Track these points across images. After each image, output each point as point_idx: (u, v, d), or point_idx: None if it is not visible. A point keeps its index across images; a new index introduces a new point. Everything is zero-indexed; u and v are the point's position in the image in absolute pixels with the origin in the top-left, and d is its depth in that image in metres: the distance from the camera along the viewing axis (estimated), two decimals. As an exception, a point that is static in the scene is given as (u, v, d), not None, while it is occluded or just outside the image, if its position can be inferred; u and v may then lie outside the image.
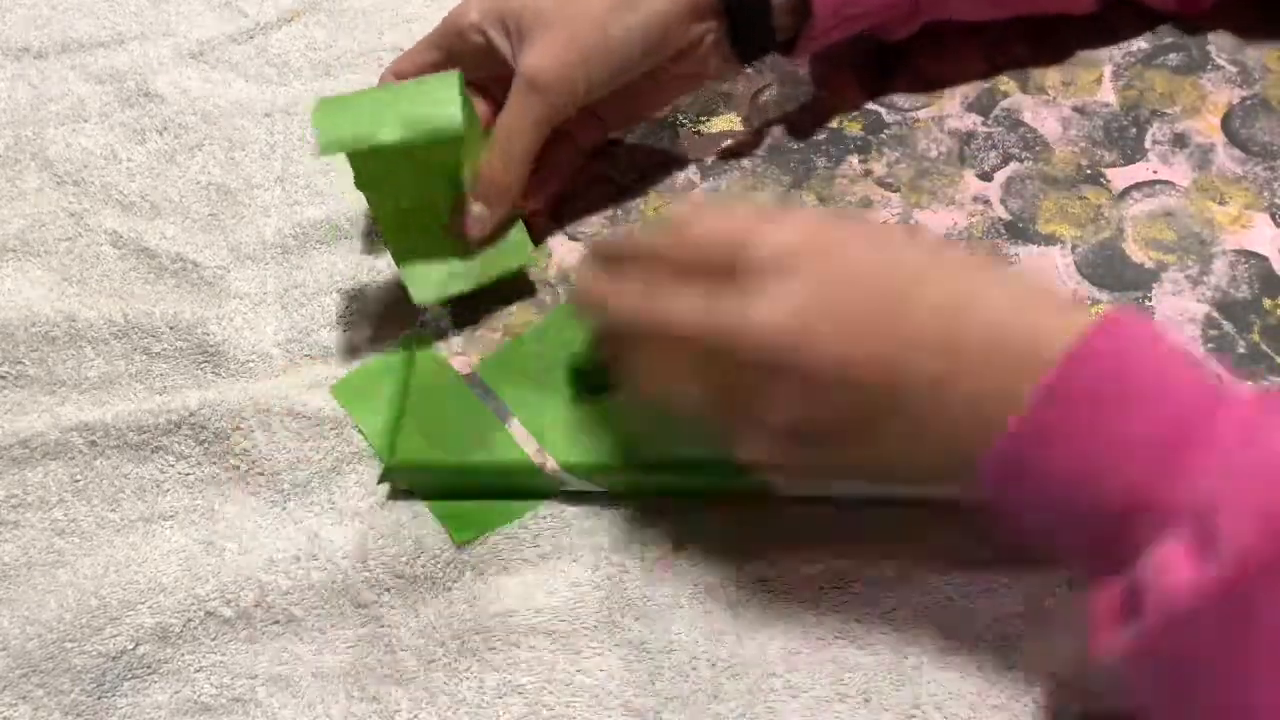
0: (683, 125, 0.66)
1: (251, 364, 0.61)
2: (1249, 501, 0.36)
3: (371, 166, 0.56)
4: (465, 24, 0.59)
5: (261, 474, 0.58)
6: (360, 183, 0.57)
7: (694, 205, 0.53)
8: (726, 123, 0.66)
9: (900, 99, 0.65)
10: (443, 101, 0.55)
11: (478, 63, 0.60)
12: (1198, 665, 0.36)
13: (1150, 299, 0.56)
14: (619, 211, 0.63)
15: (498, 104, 0.60)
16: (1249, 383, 0.53)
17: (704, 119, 0.66)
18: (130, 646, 0.53)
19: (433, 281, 0.58)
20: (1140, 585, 0.37)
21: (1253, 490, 0.36)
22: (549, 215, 0.63)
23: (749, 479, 0.53)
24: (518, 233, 0.59)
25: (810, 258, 0.43)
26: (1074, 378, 0.39)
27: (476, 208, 0.57)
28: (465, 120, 0.55)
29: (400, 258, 0.58)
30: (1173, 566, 0.36)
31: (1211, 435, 0.38)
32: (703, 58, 0.60)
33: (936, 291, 0.42)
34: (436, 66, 0.60)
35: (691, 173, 0.64)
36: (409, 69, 0.61)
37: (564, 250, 0.62)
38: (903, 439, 0.42)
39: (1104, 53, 0.66)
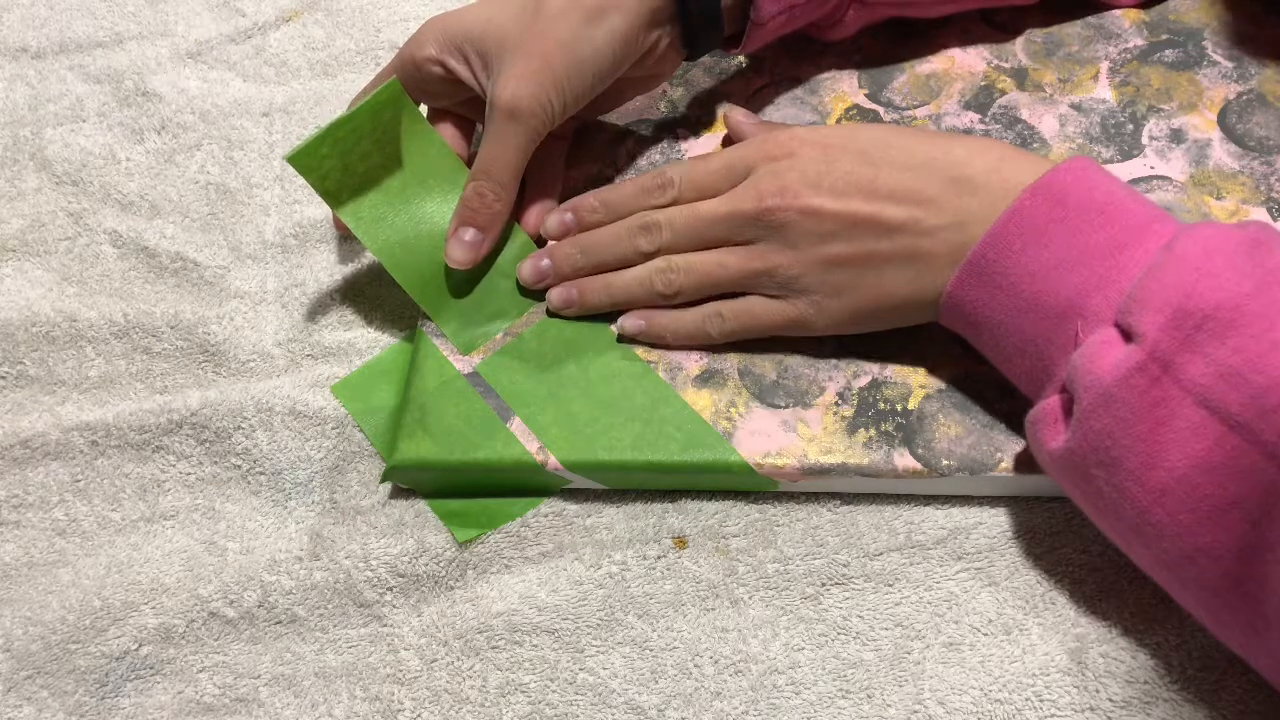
0: (682, 125, 0.66)
1: (252, 363, 0.61)
2: (1159, 296, 0.43)
3: (353, 192, 0.59)
4: (421, 57, 0.59)
5: (263, 473, 0.58)
6: (359, 228, 0.59)
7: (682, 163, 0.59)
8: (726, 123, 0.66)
9: (898, 97, 0.66)
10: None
11: (440, 91, 0.60)
12: (1115, 440, 0.43)
13: (1148, 295, 0.57)
14: (618, 210, 0.63)
15: (464, 129, 0.62)
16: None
17: (704, 118, 0.66)
18: (133, 647, 0.53)
19: (470, 328, 0.59)
20: (1074, 375, 0.45)
21: (1162, 286, 0.43)
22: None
23: (750, 477, 0.53)
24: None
25: (799, 143, 0.54)
26: (1031, 203, 0.48)
27: (469, 233, 0.58)
28: (412, 129, 0.59)
29: (434, 312, 0.59)
30: (1101, 354, 0.44)
31: (1143, 245, 0.45)
32: (658, 61, 0.61)
33: (900, 154, 0.52)
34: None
35: (690, 171, 0.64)
36: None
37: (564, 249, 0.62)
38: (897, 270, 0.51)
39: (1100, 49, 0.66)
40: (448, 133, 0.62)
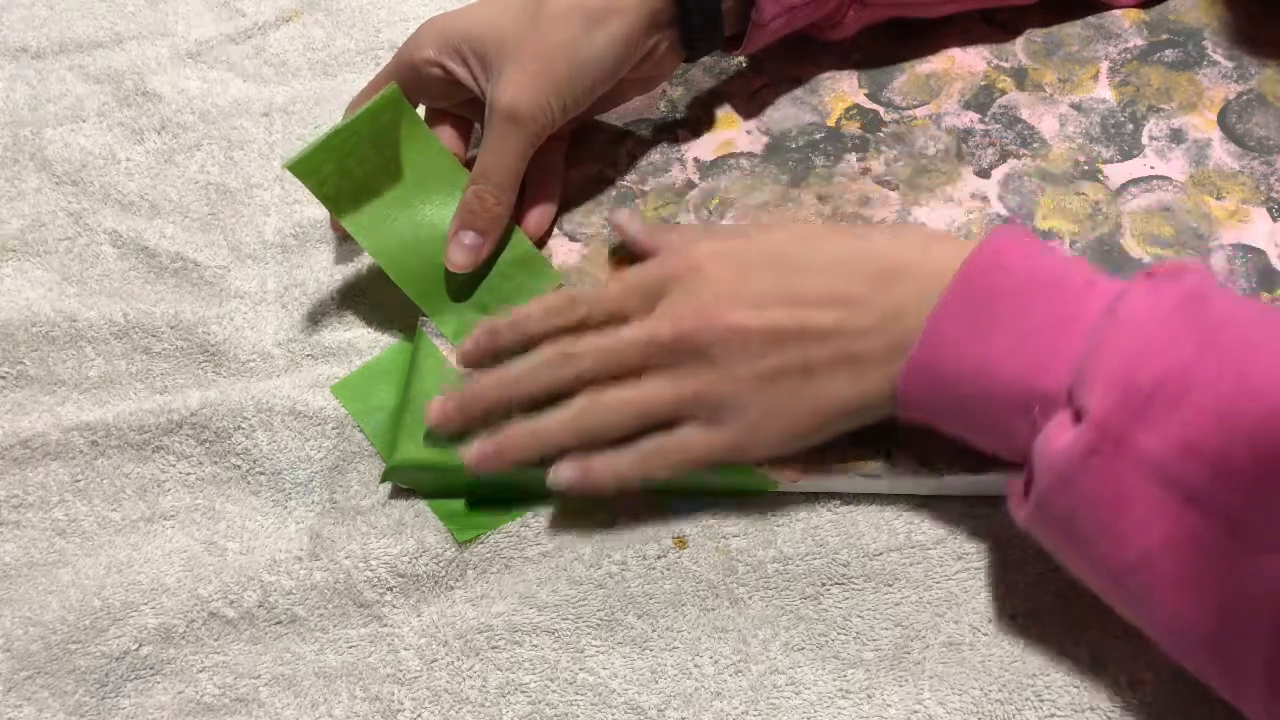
0: (682, 125, 0.66)
1: (252, 363, 0.61)
2: (1104, 373, 0.42)
3: (350, 194, 0.59)
4: (419, 59, 0.59)
5: (263, 473, 0.58)
6: (361, 236, 0.59)
7: (571, 294, 0.55)
8: (725, 122, 0.66)
9: (898, 97, 0.66)
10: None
11: (438, 93, 0.61)
12: (1078, 520, 0.43)
13: (1148, 295, 0.57)
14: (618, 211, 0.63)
15: (463, 129, 0.62)
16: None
17: (704, 118, 0.66)
18: (133, 647, 0.53)
19: (471, 329, 0.59)
20: (1034, 458, 0.44)
21: (1106, 362, 0.42)
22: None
23: (750, 477, 0.53)
24: (538, 260, 0.61)
25: (711, 258, 0.52)
26: (961, 294, 0.46)
27: (469, 237, 0.58)
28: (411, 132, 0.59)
29: (434, 313, 0.59)
30: (1054, 437, 0.43)
31: (1083, 316, 0.44)
32: (657, 64, 0.61)
33: (817, 255, 0.51)
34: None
35: (691, 172, 0.64)
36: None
37: (564, 251, 0.62)
38: (834, 376, 0.49)
39: (1100, 49, 0.66)
40: (446, 134, 0.62)
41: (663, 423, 0.52)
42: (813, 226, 0.54)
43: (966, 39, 0.67)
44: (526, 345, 0.55)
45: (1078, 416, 0.42)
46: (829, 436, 0.51)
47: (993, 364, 0.45)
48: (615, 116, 0.67)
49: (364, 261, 0.64)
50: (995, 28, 0.68)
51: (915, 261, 0.49)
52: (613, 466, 0.52)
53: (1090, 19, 0.67)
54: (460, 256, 0.58)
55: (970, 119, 0.64)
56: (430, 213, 0.60)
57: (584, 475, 0.52)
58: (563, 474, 0.52)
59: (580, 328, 0.54)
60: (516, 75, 0.56)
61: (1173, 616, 0.42)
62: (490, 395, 0.54)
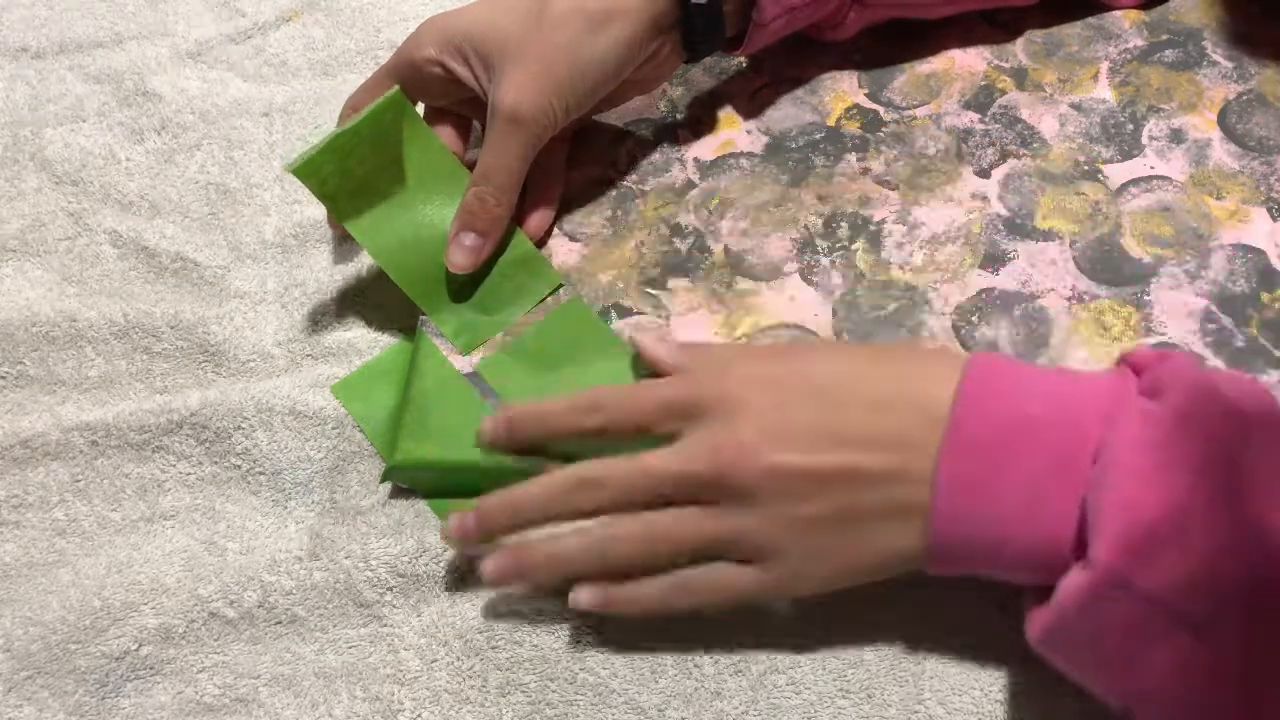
0: (682, 126, 0.66)
1: (252, 363, 0.61)
2: (1104, 521, 0.40)
3: (353, 199, 0.59)
4: (420, 57, 0.59)
5: (262, 473, 0.58)
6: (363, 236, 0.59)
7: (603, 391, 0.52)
8: (726, 122, 0.66)
9: (898, 97, 0.66)
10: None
11: (438, 92, 0.61)
12: (1089, 662, 0.43)
13: (1148, 294, 0.57)
14: (619, 212, 0.63)
15: (462, 128, 0.62)
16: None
17: (704, 118, 0.66)
18: (134, 647, 0.53)
19: (471, 329, 0.59)
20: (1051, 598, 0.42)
21: (1104, 508, 0.40)
22: (551, 220, 0.63)
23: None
24: (539, 260, 0.61)
25: (748, 386, 0.48)
26: (958, 447, 0.44)
27: (470, 238, 0.58)
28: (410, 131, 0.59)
29: (434, 313, 0.60)
30: (1067, 582, 0.41)
31: (1076, 466, 0.42)
32: (658, 65, 0.61)
33: (864, 389, 0.47)
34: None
35: (691, 172, 0.64)
36: (366, 101, 0.61)
37: (565, 251, 0.62)
38: (883, 525, 0.46)
39: (1100, 49, 0.66)
40: (445, 133, 0.62)
41: (692, 556, 0.49)
42: (851, 353, 0.51)
43: (966, 39, 0.67)
44: (547, 439, 0.52)
45: (1085, 561, 0.41)
46: (867, 580, 0.48)
47: (1002, 529, 0.43)
48: (615, 117, 0.67)
49: (364, 261, 0.64)
50: (996, 28, 0.68)
51: (925, 393, 0.46)
52: (636, 596, 0.49)
53: (1090, 19, 0.67)
54: (461, 258, 0.58)
55: (970, 119, 0.64)
56: (431, 214, 0.60)
57: (605, 603, 0.49)
58: (582, 599, 0.49)
59: (599, 434, 0.50)
60: (519, 77, 0.56)
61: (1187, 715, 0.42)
62: (503, 522, 0.50)
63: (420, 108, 0.62)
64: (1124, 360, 0.44)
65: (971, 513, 0.44)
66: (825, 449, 0.46)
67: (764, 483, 0.46)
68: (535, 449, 0.52)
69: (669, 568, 0.49)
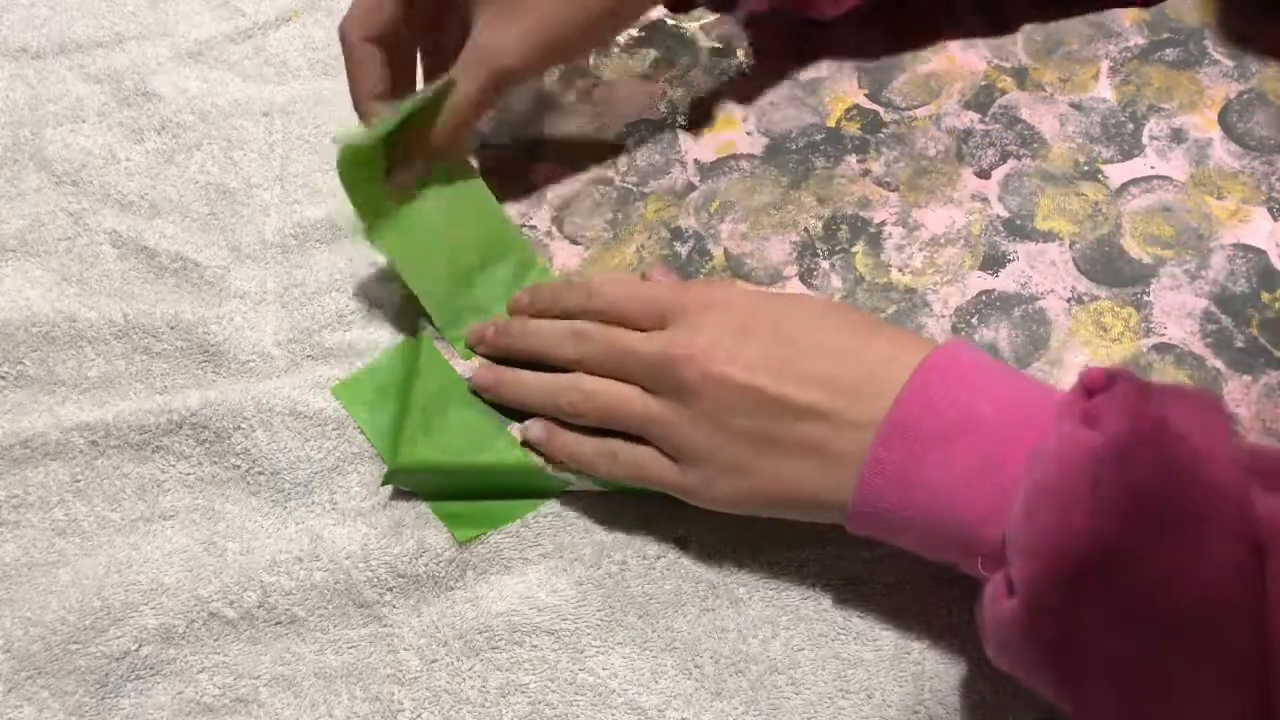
0: (682, 126, 0.66)
1: (252, 364, 0.61)
2: (1024, 539, 0.40)
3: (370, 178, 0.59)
4: None
5: (262, 473, 0.58)
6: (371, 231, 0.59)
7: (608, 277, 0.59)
8: (725, 123, 0.66)
9: (898, 98, 0.66)
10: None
11: (423, 13, 0.61)
12: (1033, 679, 0.42)
13: (1148, 294, 0.57)
14: (619, 215, 0.63)
15: (439, 54, 0.62)
16: (1244, 376, 0.54)
17: (704, 119, 0.66)
18: (134, 647, 0.53)
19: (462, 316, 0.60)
20: (985, 614, 0.42)
21: (1030, 533, 0.40)
22: (551, 220, 0.63)
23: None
24: (544, 272, 0.62)
25: (724, 304, 0.52)
26: (896, 427, 0.45)
27: (416, 161, 0.59)
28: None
29: (436, 314, 0.60)
30: (995, 600, 0.41)
31: (1015, 466, 0.43)
32: (636, 14, 0.63)
33: (822, 338, 0.50)
34: (395, 9, 0.59)
35: (691, 174, 0.64)
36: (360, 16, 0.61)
37: (565, 254, 0.62)
38: (798, 461, 0.48)
39: (1101, 48, 0.66)
40: (371, 60, 0.60)
41: (628, 431, 0.53)
42: (829, 308, 0.53)
43: (967, 38, 0.67)
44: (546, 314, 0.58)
45: (1007, 579, 0.41)
46: (775, 514, 0.50)
47: (932, 511, 0.45)
48: (615, 116, 0.67)
49: (364, 262, 0.64)
50: (996, 27, 0.68)
51: (882, 370, 0.47)
52: (573, 447, 0.54)
53: (1091, 17, 0.67)
54: (405, 178, 0.59)
55: (970, 119, 0.64)
56: (438, 213, 0.60)
57: (548, 440, 0.54)
58: (531, 430, 0.55)
59: (593, 315, 0.56)
60: (513, 31, 0.57)
61: None
62: (515, 332, 0.57)
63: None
64: (1080, 379, 0.43)
65: (894, 491, 0.45)
66: (766, 375, 0.49)
67: (702, 386, 0.50)
68: (533, 348, 0.57)
69: (609, 436, 0.53)
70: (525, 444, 0.55)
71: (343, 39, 0.60)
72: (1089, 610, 0.39)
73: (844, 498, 0.47)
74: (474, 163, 0.65)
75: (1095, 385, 0.42)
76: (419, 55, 0.62)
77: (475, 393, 0.57)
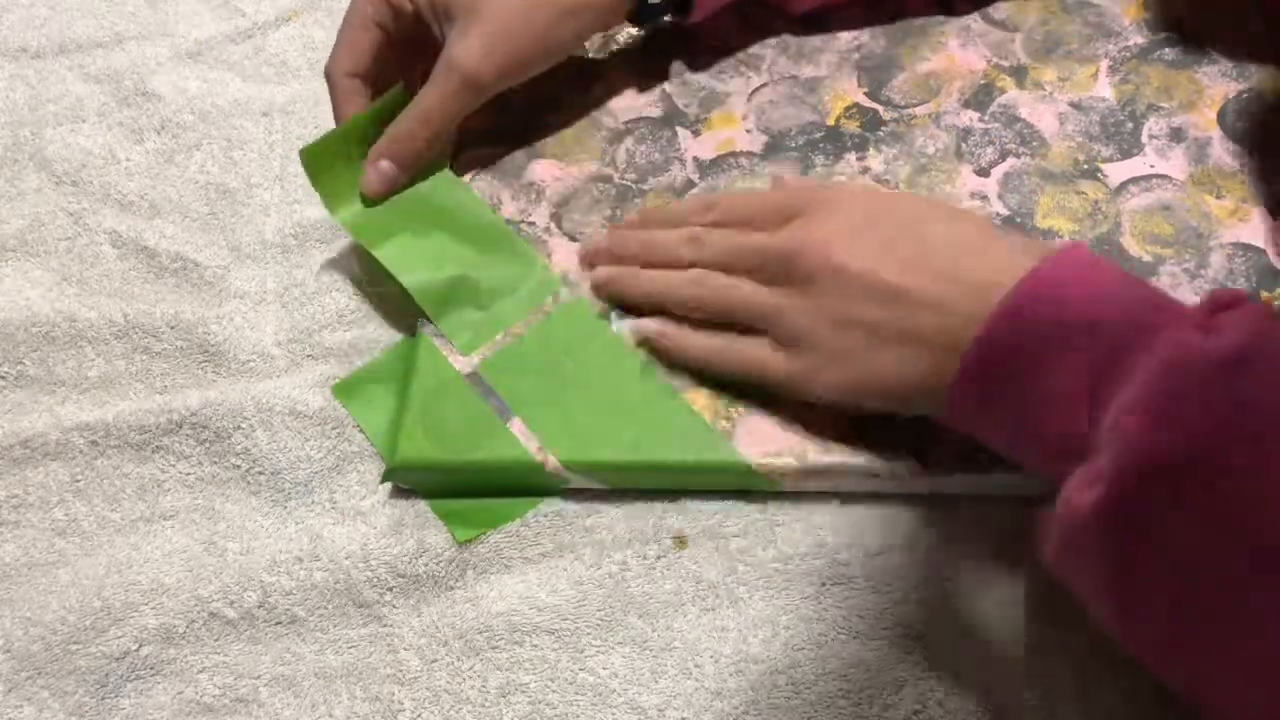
0: (682, 124, 0.66)
1: (252, 363, 0.61)
2: (1123, 433, 0.40)
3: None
4: None
5: (262, 473, 0.58)
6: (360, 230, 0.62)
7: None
8: (725, 122, 0.66)
9: (897, 96, 0.66)
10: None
11: (386, 16, 0.63)
12: (1094, 578, 0.42)
13: (1148, 294, 0.57)
14: (619, 212, 0.63)
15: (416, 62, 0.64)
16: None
17: (703, 117, 0.66)
18: (134, 647, 0.53)
19: (471, 328, 0.60)
20: (1059, 508, 0.42)
21: (1126, 423, 0.40)
22: (550, 217, 0.63)
23: (749, 477, 0.53)
24: (518, 243, 0.62)
25: (849, 201, 0.54)
26: (1007, 325, 0.45)
27: (385, 164, 0.62)
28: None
29: (435, 313, 0.60)
30: (1076, 493, 0.41)
31: (1120, 368, 0.42)
32: (603, 28, 0.66)
33: (943, 235, 0.51)
34: (375, 45, 0.63)
35: (691, 172, 0.64)
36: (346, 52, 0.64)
37: (565, 251, 0.62)
38: (905, 349, 0.49)
39: (1100, 47, 0.66)
40: (363, 41, 0.63)
41: (746, 325, 0.55)
42: (954, 210, 0.55)
43: (966, 37, 0.67)
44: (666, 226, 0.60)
45: (1092, 476, 0.41)
46: (878, 407, 0.52)
47: (1030, 405, 0.45)
48: (614, 115, 0.67)
49: (364, 262, 0.64)
50: (996, 26, 0.68)
51: (998, 269, 0.47)
52: (685, 341, 0.56)
53: (1090, 17, 0.67)
54: (375, 181, 0.62)
55: (970, 118, 0.64)
56: (428, 211, 0.62)
57: (660, 334, 0.57)
58: (645, 325, 0.57)
59: (714, 225, 0.58)
60: (483, 42, 0.59)
61: (1183, 679, 0.41)
62: (633, 243, 0.59)
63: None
64: (1207, 295, 0.42)
65: (995, 379, 0.46)
66: (885, 266, 0.50)
67: (821, 274, 0.51)
68: (648, 255, 0.59)
69: (724, 330, 0.55)
70: (641, 340, 0.57)
71: (327, 76, 0.63)
72: (1176, 513, 0.38)
73: (939, 392, 0.48)
74: (475, 166, 0.65)
75: (1221, 302, 0.41)
76: (405, 86, 0.64)
77: (471, 387, 0.56)
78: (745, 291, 0.54)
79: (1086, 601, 0.43)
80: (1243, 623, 0.38)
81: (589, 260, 0.60)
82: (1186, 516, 0.38)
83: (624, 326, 0.58)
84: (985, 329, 0.45)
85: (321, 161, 0.61)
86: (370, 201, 0.62)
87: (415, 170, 0.62)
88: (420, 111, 0.61)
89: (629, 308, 0.58)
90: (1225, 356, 0.38)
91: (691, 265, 0.57)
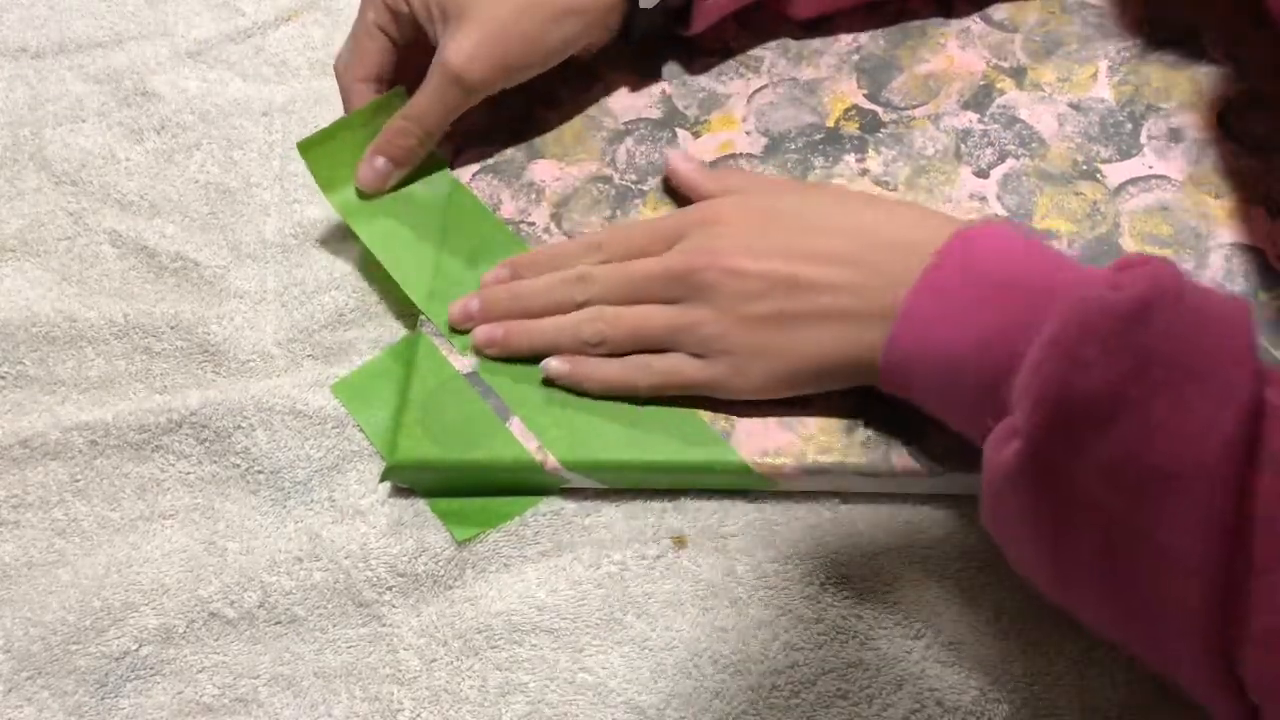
0: (681, 125, 0.66)
1: (252, 363, 0.61)
2: (1037, 392, 0.41)
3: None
4: None
5: (261, 472, 0.58)
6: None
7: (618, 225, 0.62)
8: (725, 123, 0.66)
9: (896, 97, 0.66)
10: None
11: (388, 21, 0.64)
12: (1017, 534, 0.45)
13: (1147, 295, 0.57)
14: (618, 212, 0.63)
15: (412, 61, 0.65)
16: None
17: (703, 119, 0.66)
18: (133, 647, 0.53)
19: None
20: (984, 461, 0.45)
21: (1040, 380, 0.41)
22: (550, 217, 0.63)
23: (748, 477, 0.53)
24: (516, 243, 0.62)
25: (731, 209, 0.56)
26: (932, 282, 0.48)
27: (381, 162, 0.63)
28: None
29: (434, 313, 0.60)
30: (998, 445, 0.43)
31: (1038, 324, 0.43)
32: (597, 43, 0.66)
33: (821, 220, 0.53)
34: (380, 50, 0.64)
35: (690, 171, 0.64)
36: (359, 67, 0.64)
37: (563, 249, 0.62)
38: (816, 329, 0.51)
39: (1099, 48, 0.66)
40: (373, 49, 0.64)
41: (656, 348, 0.55)
42: (833, 192, 0.58)
43: (965, 38, 0.67)
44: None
45: (1013, 427, 0.43)
46: (809, 389, 0.53)
47: (957, 359, 0.47)
48: (614, 116, 0.67)
49: (364, 262, 0.65)
50: (995, 27, 0.68)
51: (900, 233, 0.51)
52: (601, 371, 0.56)
53: (1090, 17, 0.67)
54: (368, 176, 0.63)
55: (969, 119, 0.64)
56: (424, 211, 0.63)
57: (572, 368, 0.56)
58: (552, 365, 0.56)
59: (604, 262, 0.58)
60: (474, 45, 0.60)
61: (1108, 626, 0.44)
62: (503, 302, 0.58)
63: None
64: (1119, 259, 0.44)
65: (922, 343, 0.48)
66: (776, 259, 0.52)
67: (720, 280, 0.53)
68: (535, 306, 0.58)
69: (634, 354, 0.56)
70: (547, 381, 0.56)
71: (338, 77, 0.65)
72: (1083, 456, 0.40)
73: (875, 354, 0.50)
74: (475, 166, 0.65)
75: (1129, 262, 0.43)
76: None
77: (470, 387, 0.57)
78: (648, 314, 0.55)
79: (1019, 561, 0.46)
80: (1147, 556, 0.40)
81: (460, 323, 0.58)
82: (1094, 457, 0.40)
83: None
84: (914, 292, 0.48)
85: (318, 152, 0.63)
86: (367, 197, 0.63)
87: (409, 167, 0.63)
88: (413, 110, 0.62)
89: (527, 361, 0.57)
90: (1128, 308, 0.40)
91: (585, 304, 0.57)
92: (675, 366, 0.54)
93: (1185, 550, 0.39)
